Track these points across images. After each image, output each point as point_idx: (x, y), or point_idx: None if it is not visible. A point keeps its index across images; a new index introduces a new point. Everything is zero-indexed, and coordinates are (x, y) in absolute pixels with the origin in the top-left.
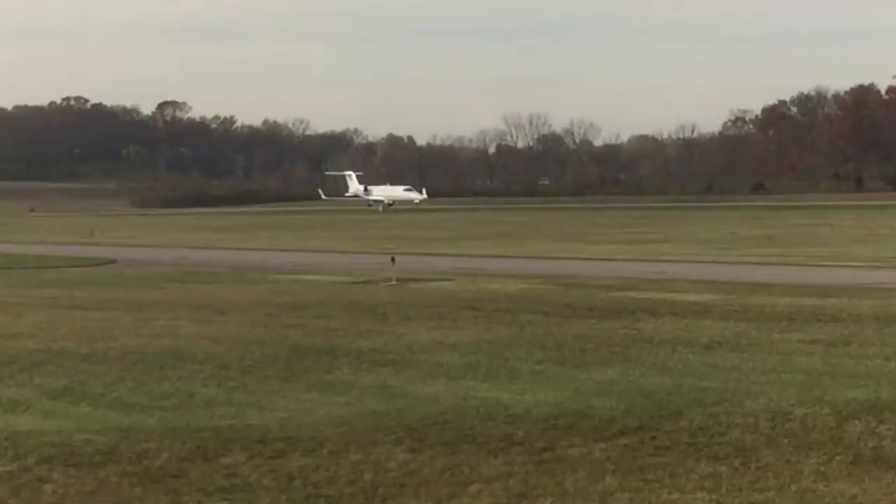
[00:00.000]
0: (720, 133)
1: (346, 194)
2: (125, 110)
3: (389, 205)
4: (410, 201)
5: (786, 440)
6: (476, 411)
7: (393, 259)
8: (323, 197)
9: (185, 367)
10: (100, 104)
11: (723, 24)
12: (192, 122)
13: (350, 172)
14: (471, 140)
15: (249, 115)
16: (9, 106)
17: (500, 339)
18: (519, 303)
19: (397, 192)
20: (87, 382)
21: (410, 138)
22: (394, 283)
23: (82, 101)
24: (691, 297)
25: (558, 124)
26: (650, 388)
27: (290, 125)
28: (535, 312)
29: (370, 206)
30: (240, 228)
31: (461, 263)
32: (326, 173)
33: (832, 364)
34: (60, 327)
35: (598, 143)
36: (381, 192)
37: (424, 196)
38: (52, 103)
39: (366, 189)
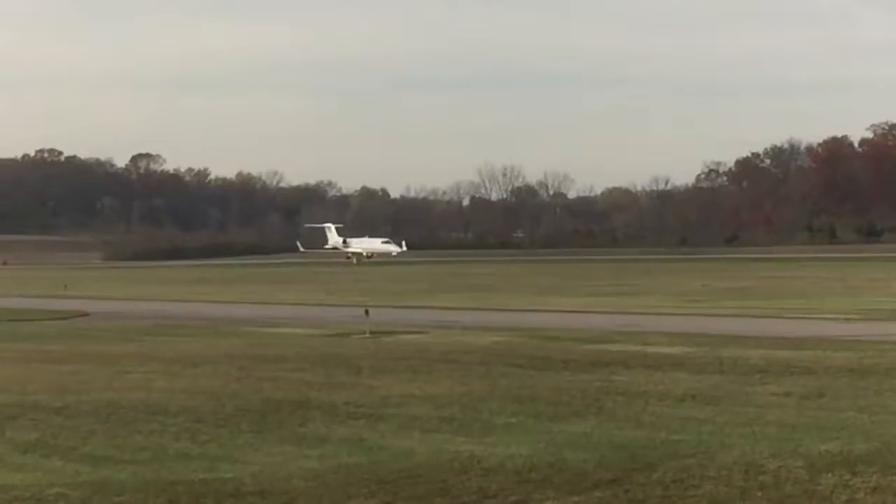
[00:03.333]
0: (694, 185)
1: (325, 247)
2: (99, 163)
3: (368, 257)
4: (388, 254)
5: (759, 493)
6: (450, 465)
7: (367, 312)
8: (301, 249)
9: (158, 420)
10: (74, 157)
11: (695, 77)
12: (166, 174)
13: (329, 225)
14: (445, 192)
15: (223, 167)
16: None
17: (475, 391)
18: (493, 356)
19: (375, 244)
20: (59, 436)
21: (384, 191)
22: (368, 335)
23: (56, 153)
24: (665, 350)
25: (532, 176)
26: (624, 441)
27: (263, 177)
28: (509, 365)
29: (348, 258)
30: (214, 281)
31: (435, 316)
32: (305, 226)
33: (806, 417)
34: (33, 380)
35: (572, 195)
36: (359, 245)
37: (403, 248)
38: (25, 155)
39: (344, 241)
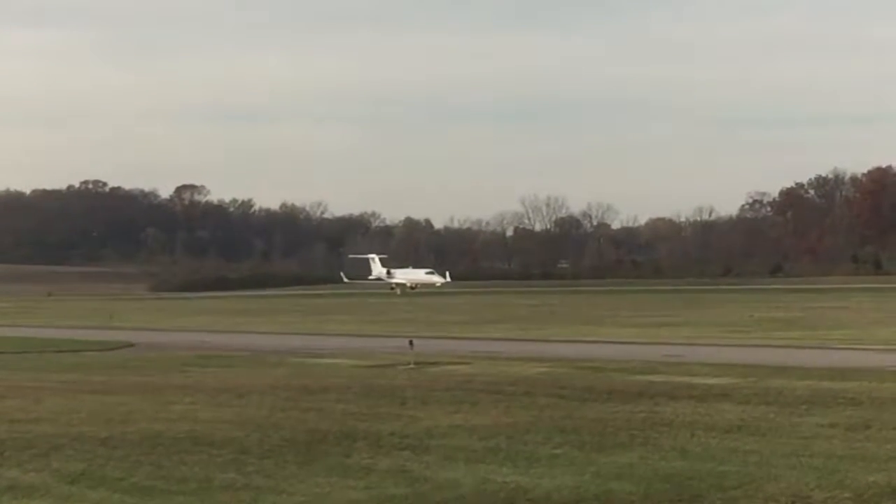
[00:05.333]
0: (738, 215)
1: (370, 277)
2: (143, 194)
3: (412, 288)
4: (432, 284)
5: None
6: (496, 496)
7: (411, 343)
8: (345, 280)
9: (203, 451)
10: (118, 188)
11: (739, 107)
12: (210, 205)
13: (373, 255)
14: (488, 223)
15: (267, 198)
16: (27, 190)
17: (519, 422)
18: (537, 386)
19: (419, 275)
20: (105, 467)
21: (428, 221)
22: (412, 366)
23: (100, 184)
24: (710, 381)
25: (576, 207)
26: (669, 472)
27: (307, 208)
28: (553, 396)
29: (392, 289)
30: (258, 312)
31: (479, 346)
32: (349, 256)
33: (852, 448)
34: (79, 411)
35: (615, 225)
36: (403, 276)
37: (447, 279)
38: (70, 187)
39: (388, 272)
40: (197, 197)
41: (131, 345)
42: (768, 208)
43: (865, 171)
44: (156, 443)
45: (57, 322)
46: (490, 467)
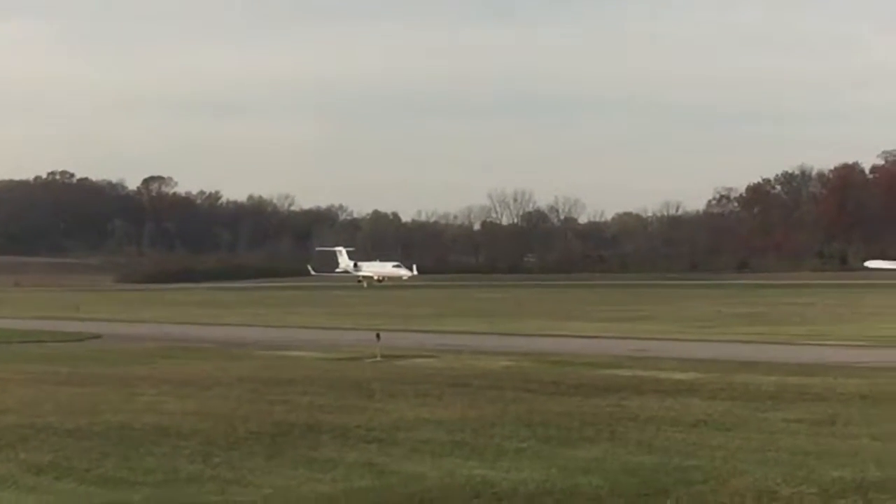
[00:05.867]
0: (704, 211)
1: (337, 270)
2: (111, 185)
3: (379, 281)
4: (399, 278)
5: None
6: (462, 489)
7: (378, 335)
8: (312, 272)
9: (170, 442)
10: (85, 179)
11: (707, 103)
12: (177, 197)
13: (341, 248)
14: (456, 217)
15: (235, 190)
16: None
17: (486, 416)
18: (504, 380)
19: (386, 268)
20: (71, 458)
21: (395, 214)
22: (379, 359)
23: (68, 175)
24: (676, 376)
25: (543, 201)
26: (636, 467)
27: (275, 200)
28: (520, 390)
29: (359, 282)
30: (225, 304)
31: (446, 340)
32: (317, 249)
33: (818, 443)
34: (45, 403)
35: (582, 220)
36: (370, 269)
37: (414, 272)
38: (37, 178)
39: (355, 265)
40: (164, 189)
41: (98, 336)
42: (735, 204)
43: (832, 167)
44: (122, 434)
45: (23, 313)
46: (456, 461)
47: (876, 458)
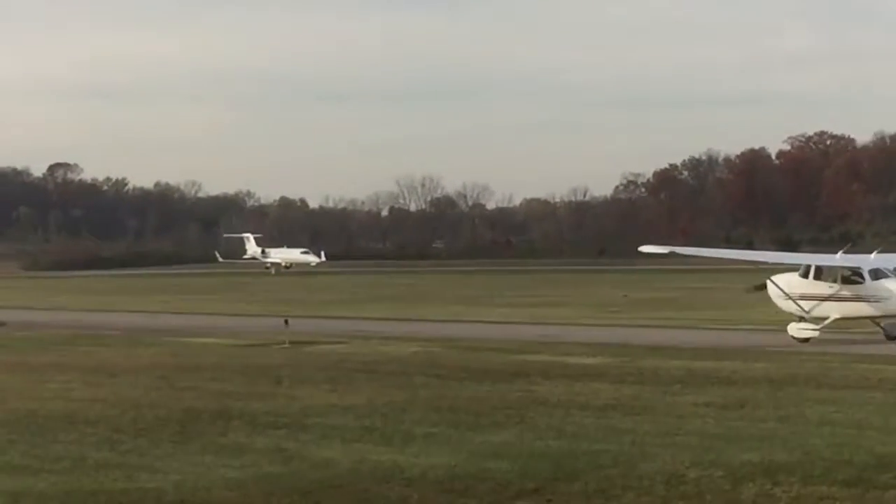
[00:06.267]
0: (612, 197)
1: (244, 257)
2: (15, 172)
3: (287, 267)
4: (308, 264)
5: (681, 503)
6: (371, 474)
7: (286, 321)
8: (220, 259)
9: (77, 430)
10: None
11: (614, 88)
12: (83, 183)
13: (248, 235)
14: (363, 203)
15: (142, 177)
16: None
17: (395, 401)
18: (413, 366)
19: (294, 254)
20: None
21: (303, 201)
22: (287, 345)
23: None
24: (585, 360)
25: (451, 187)
26: (545, 451)
27: (182, 187)
28: (429, 375)
29: (267, 268)
30: (133, 291)
31: (355, 326)
32: (224, 236)
33: (726, 427)
34: None
35: (490, 206)
36: (278, 255)
37: (323, 259)
38: None
39: (263, 252)
40: (70, 175)
41: (3, 324)
42: (642, 189)
43: (738, 152)
44: (29, 421)
45: None
46: (366, 446)
47: (783, 440)
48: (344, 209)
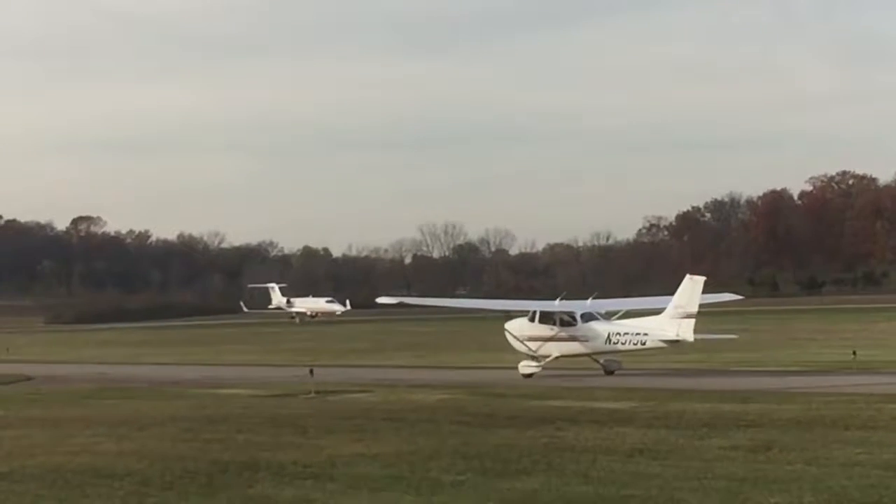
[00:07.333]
0: (635, 240)
1: (269, 307)
2: (39, 226)
3: (313, 317)
4: (333, 313)
5: None
6: None
7: (311, 371)
8: (245, 309)
9: (105, 483)
10: (13, 220)
11: (635, 132)
12: (106, 236)
13: (273, 285)
14: (386, 250)
15: (164, 229)
16: None
17: (422, 449)
18: (439, 413)
19: (320, 303)
20: (6, 501)
21: (326, 250)
22: (313, 395)
23: None
24: (611, 405)
25: (474, 233)
26: (573, 498)
27: (205, 238)
28: (455, 423)
29: (292, 318)
30: (157, 343)
31: (380, 374)
32: (249, 286)
33: (754, 470)
34: None
35: (513, 251)
36: (303, 305)
37: (348, 307)
38: None
39: (288, 301)
40: (93, 228)
41: (29, 378)
42: (665, 232)
43: (760, 193)
44: (57, 476)
45: None
46: (393, 495)
47: (812, 483)
48: (367, 257)
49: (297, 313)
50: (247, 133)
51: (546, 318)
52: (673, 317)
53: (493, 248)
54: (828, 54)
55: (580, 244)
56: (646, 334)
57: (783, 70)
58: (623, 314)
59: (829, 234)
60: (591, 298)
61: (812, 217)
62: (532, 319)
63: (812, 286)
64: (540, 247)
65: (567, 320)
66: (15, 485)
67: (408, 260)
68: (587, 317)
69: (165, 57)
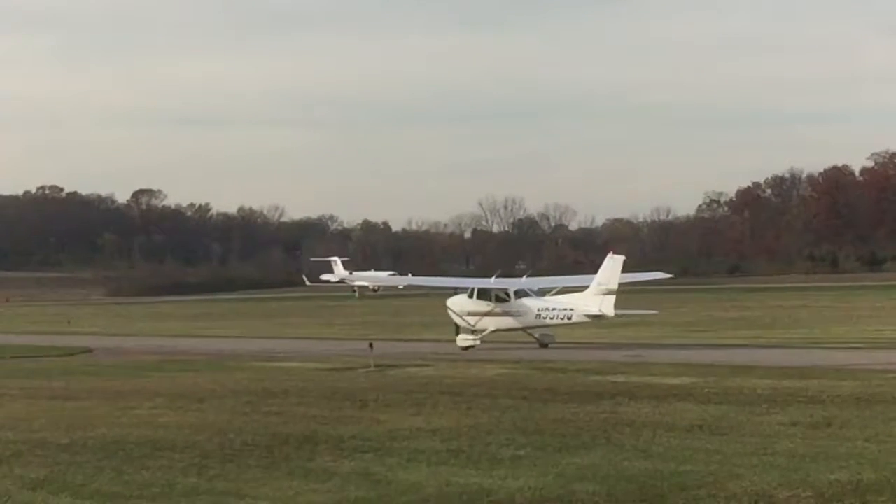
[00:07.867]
0: (695, 215)
1: (332, 280)
2: (100, 198)
3: (375, 290)
4: (395, 286)
5: None
6: (458, 498)
7: (371, 345)
8: (307, 283)
9: (165, 456)
10: (75, 193)
11: (696, 107)
12: (167, 209)
13: (336, 258)
14: (446, 225)
15: (224, 202)
16: None
17: (481, 424)
18: (498, 387)
19: (382, 277)
20: (66, 473)
21: (386, 224)
22: (372, 369)
23: (57, 189)
24: (670, 381)
25: (533, 208)
26: (632, 473)
27: (265, 212)
28: (514, 397)
29: (354, 291)
30: (217, 316)
31: (440, 348)
32: (311, 259)
33: (814, 446)
34: (39, 417)
35: (573, 226)
36: (365, 278)
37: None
38: (26, 192)
39: (351, 274)
40: (154, 201)
41: (90, 350)
42: (725, 208)
43: (821, 170)
44: (117, 448)
45: (15, 328)
46: (452, 469)
47: (872, 460)
48: (427, 231)
49: (360, 287)
50: (308, 106)
51: (483, 294)
52: (596, 293)
53: (552, 224)
54: (891, 28)
55: (640, 219)
56: (571, 310)
57: (846, 44)
58: (558, 291)
59: (891, 210)
60: (525, 276)
61: (873, 193)
62: (471, 296)
63: (873, 263)
64: (600, 222)
65: (502, 297)
66: (76, 456)
67: (467, 234)
68: (520, 293)
69: (231, 30)
